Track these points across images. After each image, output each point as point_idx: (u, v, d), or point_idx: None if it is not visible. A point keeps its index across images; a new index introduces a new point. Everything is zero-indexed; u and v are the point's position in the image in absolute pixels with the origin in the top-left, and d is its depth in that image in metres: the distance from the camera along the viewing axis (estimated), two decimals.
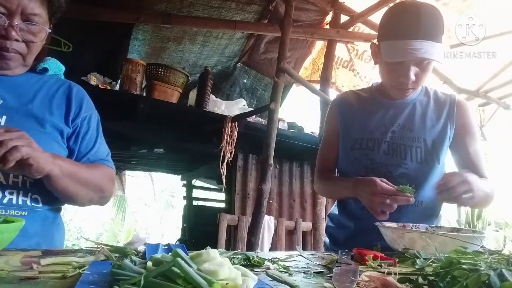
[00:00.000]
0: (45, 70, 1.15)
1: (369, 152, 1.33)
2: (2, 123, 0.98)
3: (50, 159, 0.92)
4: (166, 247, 0.82)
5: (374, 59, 1.38)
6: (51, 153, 0.94)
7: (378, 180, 1.13)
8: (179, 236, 5.68)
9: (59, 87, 1.14)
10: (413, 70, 1.23)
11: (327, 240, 1.45)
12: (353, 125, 1.39)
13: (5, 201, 0.96)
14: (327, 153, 1.47)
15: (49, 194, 1.04)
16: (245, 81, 4.80)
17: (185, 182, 6.15)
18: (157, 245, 0.81)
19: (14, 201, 0.98)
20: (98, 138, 1.17)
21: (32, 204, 1.01)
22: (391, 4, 3.08)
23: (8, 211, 0.96)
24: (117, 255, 0.72)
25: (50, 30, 1.05)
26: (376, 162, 1.31)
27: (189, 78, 3.55)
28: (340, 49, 3.95)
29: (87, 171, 1.06)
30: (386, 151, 1.32)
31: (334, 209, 1.48)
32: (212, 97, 3.52)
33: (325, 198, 3.32)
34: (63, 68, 1.22)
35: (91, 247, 0.82)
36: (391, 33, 1.25)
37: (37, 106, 1.06)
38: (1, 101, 1.02)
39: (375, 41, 1.38)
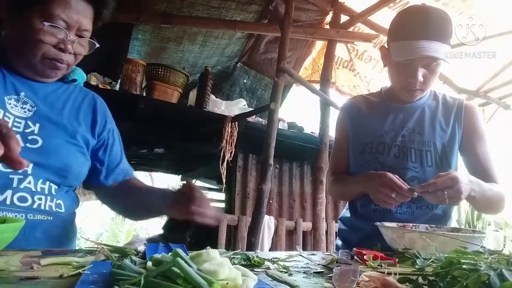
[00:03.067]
0: (74, 81, 1.18)
1: (379, 156, 1.34)
2: (36, 131, 1.01)
3: None
4: (166, 247, 0.82)
5: (384, 61, 1.39)
6: None
7: (390, 174, 1.15)
8: None
9: (84, 98, 1.18)
10: (421, 71, 1.24)
11: (340, 242, 1.46)
12: (363, 129, 1.41)
13: (34, 206, 0.99)
14: (338, 158, 1.48)
15: (70, 199, 1.09)
16: (245, 81, 4.80)
17: (185, 182, 6.15)
18: (157, 245, 0.81)
19: (42, 207, 1.00)
20: (122, 151, 1.24)
21: (56, 209, 1.04)
22: (391, 4, 3.11)
23: (36, 216, 0.99)
24: (117, 255, 0.72)
25: (98, 45, 1.10)
26: (387, 165, 1.32)
27: (189, 78, 3.55)
28: (340, 49, 3.95)
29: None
30: (396, 154, 1.33)
31: (345, 212, 1.49)
32: (212, 97, 3.51)
33: (324, 198, 3.32)
34: (85, 77, 1.25)
35: (91, 247, 0.82)
36: (400, 34, 1.27)
37: (66, 117, 1.09)
38: (35, 107, 1.04)
39: (385, 44, 1.40)
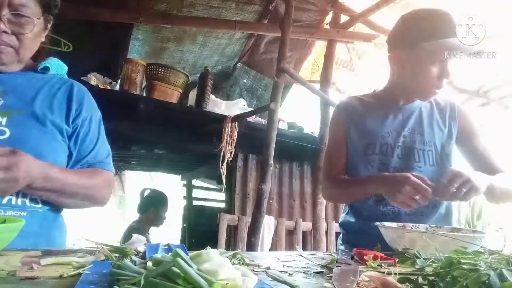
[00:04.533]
0: (46, 69, 1.14)
1: (383, 157, 1.34)
2: (3, 123, 0.98)
3: (25, 181, 0.89)
4: (166, 247, 0.82)
5: (397, 68, 1.37)
6: (38, 167, 0.92)
7: (413, 175, 1.13)
8: (179, 237, 5.68)
9: (60, 86, 1.13)
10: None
11: (343, 248, 1.42)
12: (362, 129, 1.40)
13: (4, 201, 0.96)
14: (335, 159, 1.45)
15: None
16: (245, 81, 4.80)
17: (185, 182, 6.15)
18: (157, 245, 0.81)
19: (13, 202, 0.97)
20: (99, 139, 1.16)
21: (31, 204, 1.01)
22: (391, 4, 3.10)
23: (7, 211, 0.96)
24: (117, 255, 0.72)
25: (39, 20, 1.03)
26: (391, 166, 1.33)
27: (189, 78, 3.55)
28: (340, 49, 3.95)
29: (76, 183, 1.04)
30: (399, 155, 1.34)
31: (347, 217, 1.46)
32: (212, 97, 3.51)
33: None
34: (65, 67, 1.21)
35: (91, 247, 0.82)
36: (437, 33, 1.26)
37: (38, 105, 1.05)
38: (2, 101, 1.01)
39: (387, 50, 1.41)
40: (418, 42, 1.29)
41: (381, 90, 1.48)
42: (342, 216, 1.51)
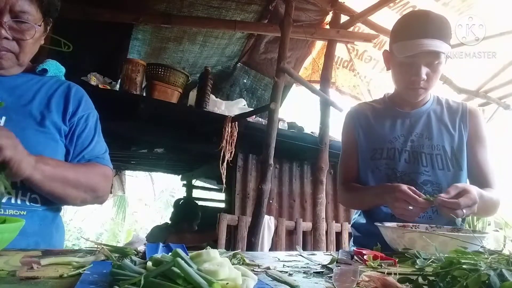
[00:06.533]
0: (44, 71, 1.15)
1: (390, 162, 1.35)
2: (2, 124, 0.99)
3: (32, 163, 0.90)
4: (166, 247, 0.82)
5: (387, 65, 1.42)
6: (37, 156, 0.93)
7: (403, 187, 1.14)
8: None
9: (58, 87, 1.15)
10: (424, 69, 1.27)
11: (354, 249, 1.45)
12: (371, 135, 1.42)
13: (3, 200, 0.96)
14: (348, 165, 1.48)
15: None
16: (245, 81, 4.80)
17: (185, 182, 6.15)
18: (157, 245, 0.81)
19: (12, 201, 0.98)
20: (95, 136, 1.18)
21: (31, 203, 1.02)
22: (391, 4, 3.10)
23: (7, 210, 0.97)
24: (117, 255, 0.72)
25: (39, 27, 1.04)
26: (398, 171, 1.34)
27: (189, 78, 3.55)
28: (340, 49, 3.95)
29: (76, 172, 1.05)
30: (407, 159, 1.35)
31: (359, 219, 1.48)
32: (212, 97, 3.51)
33: (324, 198, 3.32)
34: (63, 69, 1.23)
35: (91, 247, 0.82)
36: (402, 35, 1.30)
37: (36, 106, 1.07)
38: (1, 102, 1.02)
39: (387, 48, 1.43)
40: (392, 44, 1.35)
41: (391, 95, 1.50)
42: (354, 218, 1.53)
